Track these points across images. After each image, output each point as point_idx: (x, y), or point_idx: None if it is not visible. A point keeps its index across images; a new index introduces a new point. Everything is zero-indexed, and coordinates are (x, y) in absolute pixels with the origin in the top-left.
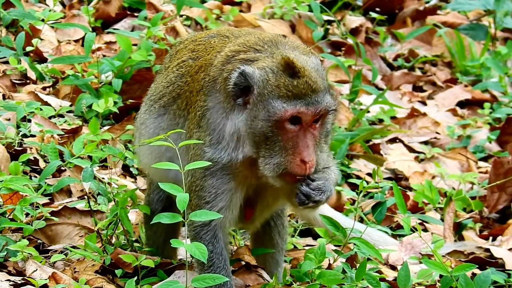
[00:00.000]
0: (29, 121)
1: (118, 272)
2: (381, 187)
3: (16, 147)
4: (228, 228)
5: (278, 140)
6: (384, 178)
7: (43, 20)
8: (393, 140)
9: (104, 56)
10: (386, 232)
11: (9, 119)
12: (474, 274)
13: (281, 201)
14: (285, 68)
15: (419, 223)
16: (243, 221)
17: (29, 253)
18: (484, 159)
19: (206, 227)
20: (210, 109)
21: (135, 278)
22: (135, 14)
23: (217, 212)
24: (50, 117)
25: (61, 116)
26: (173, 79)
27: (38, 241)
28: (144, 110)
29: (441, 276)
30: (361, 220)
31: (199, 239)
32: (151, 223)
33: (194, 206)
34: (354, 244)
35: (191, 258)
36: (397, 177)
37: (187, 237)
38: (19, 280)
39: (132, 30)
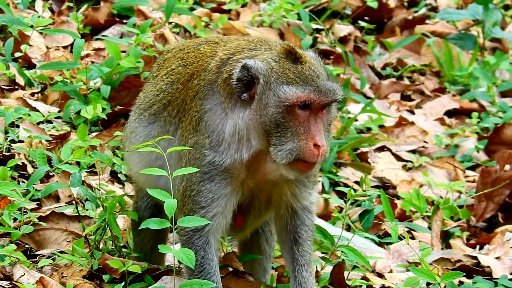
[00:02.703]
0: (18, 126)
1: (106, 277)
2: (369, 195)
3: (4, 153)
4: (221, 234)
5: (289, 126)
6: (372, 186)
7: (32, 26)
8: (381, 149)
9: (92, 62)
10: (373, 240)
11: None
12: (461, 283)
13: (272, 210)
14: (286, 55)
15: (407, 231)
16: (233, 229)
17: (16, 258)
18: (472, 168)
19: (199, 232)
20: (208, 111)
21: (123, 283)
22: (124, 21)
23: (212, 217)
24: (38, 123)
25: (50, 122)
26: (163, 87)
27: (25, 246)
28: (133, 119)
29: (428, 284)
30: (348, 228)
31: (191, 244)
32: (139, 228)
33: (188, 211)
34: (342, 251)
35: (178, 264)
36: (385, 186)
37: (177, 242)
38: (7, 285)
39: (121, 37)
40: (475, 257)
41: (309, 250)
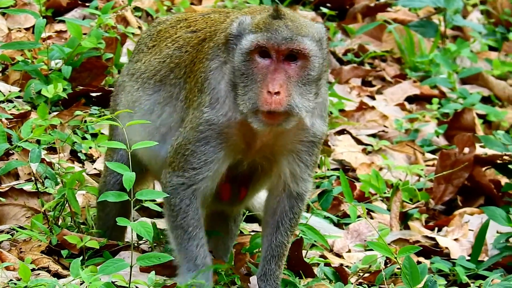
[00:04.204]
0: None
1: (64, 252)
2: (328, 177)
3: None
4: (205, 198)
5: (250, 74)
6: (332, 169)
7: None
8: (341, 132)
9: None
10: (332, 220)
11: None
12: (419, 263)
13: (267, 184)
14: (271, 12)
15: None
16: (237, 201)
17: None
18: (432, 153)
19: (185, 185)
20: (212, 70)
21: (80, 258)
22: (87, 4)
23: (201, 180)
24: None
25: (10, 101)
26: (170, 52)
27: None
28: (136, 89)
29: (386, 264)
30: (307, 209)
31: (176, 194)
32: (98, 201)
33: (177, 168)
34: (301, 230)
35: (137, 240)
36: (345, 168)
37: (136, 219)
38: None
39: (83, 20)
40: (433, 239)
41: (287, 243)
